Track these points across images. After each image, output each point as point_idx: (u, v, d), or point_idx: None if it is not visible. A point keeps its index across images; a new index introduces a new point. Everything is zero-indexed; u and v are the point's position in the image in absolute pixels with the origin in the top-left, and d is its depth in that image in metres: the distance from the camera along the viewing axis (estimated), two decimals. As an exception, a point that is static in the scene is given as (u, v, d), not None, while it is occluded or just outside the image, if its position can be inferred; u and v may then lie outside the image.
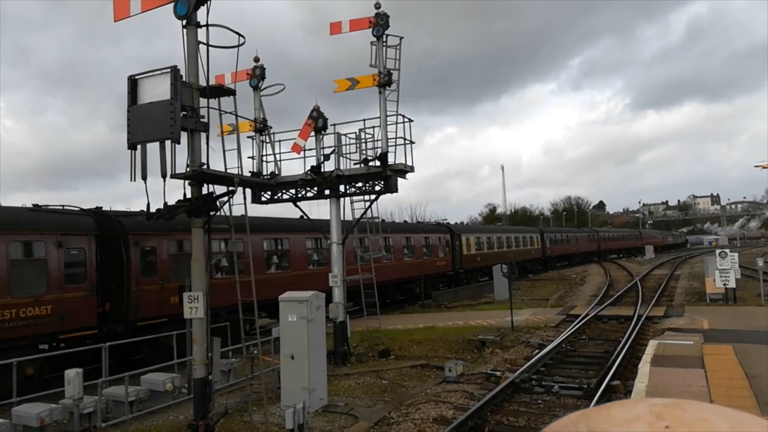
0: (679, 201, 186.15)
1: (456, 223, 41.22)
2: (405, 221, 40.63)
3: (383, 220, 44.12)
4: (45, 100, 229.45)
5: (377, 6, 13.72)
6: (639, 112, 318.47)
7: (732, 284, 21.55)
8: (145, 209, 8.98)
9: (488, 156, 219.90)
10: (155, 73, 8.81)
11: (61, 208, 14.58)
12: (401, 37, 13.97)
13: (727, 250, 22.42)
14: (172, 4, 8.86)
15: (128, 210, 16.70)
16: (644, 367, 11.10)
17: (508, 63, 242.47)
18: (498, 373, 12.62)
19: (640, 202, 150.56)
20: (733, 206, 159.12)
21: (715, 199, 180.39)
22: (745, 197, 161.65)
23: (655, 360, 11.63)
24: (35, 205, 14.01)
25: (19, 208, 13.77)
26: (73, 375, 9.86)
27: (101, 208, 15.80)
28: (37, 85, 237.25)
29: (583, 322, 18.94)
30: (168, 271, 15.65)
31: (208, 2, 8.89)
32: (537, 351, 14.79)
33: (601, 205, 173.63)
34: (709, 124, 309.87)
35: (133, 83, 8.94)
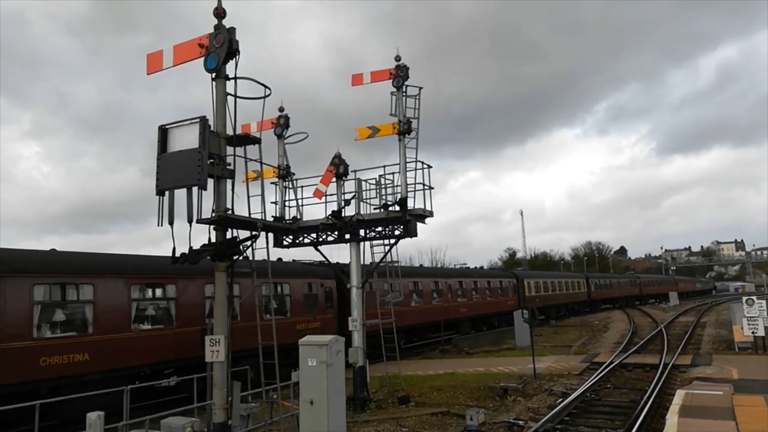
0: (702, 247, 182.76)
1: (475, 267, 43.67)
2: (482, 267, 45.95)
3: (468, 267, 47.47)
4: (82, 146, 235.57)
5: (398, 59, 14.20)
6: (665, 157, 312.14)
7: (761, 332, 20.97)
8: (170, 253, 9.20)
9: (511, 200, 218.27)
10: (185, 122, 9.17)
11: (318, 262, 22.28)
12: (420, 88, 14.38)
13: (755, 297, 21.93)
14: (203, 58, 9.32)
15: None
16: (672, 417, 10.76)
17: (534, 107, 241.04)
18: (521, 422, 12.34)
19: (662, 248, 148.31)
20: (759, 252, 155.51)
21: (739, 245, 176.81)
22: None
23: (683, 411, 11.28)
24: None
25: (299, 263, 22.42)
26: (94, 418, 9.88)
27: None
28: (75, 131, 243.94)
29: (607, 370, 18.49)
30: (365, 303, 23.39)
31: (237, 57, 9.32)
32: (561, 399, 14.45)
33: (622, 251, 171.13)
34: (736, 168, 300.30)
35: (163, 132, 9.29)
